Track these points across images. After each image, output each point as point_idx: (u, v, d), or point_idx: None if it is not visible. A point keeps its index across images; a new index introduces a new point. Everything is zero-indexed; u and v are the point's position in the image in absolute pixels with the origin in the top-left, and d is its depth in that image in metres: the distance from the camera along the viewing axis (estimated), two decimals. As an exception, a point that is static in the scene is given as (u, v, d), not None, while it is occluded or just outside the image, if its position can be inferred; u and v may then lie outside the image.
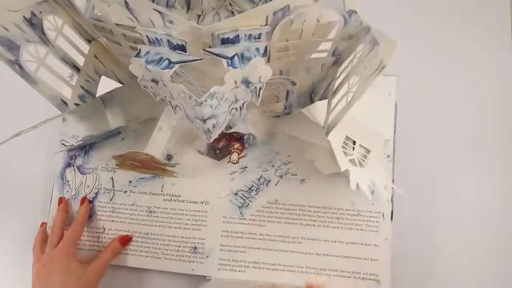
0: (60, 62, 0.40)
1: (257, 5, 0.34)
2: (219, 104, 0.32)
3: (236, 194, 0.52)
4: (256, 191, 0.52)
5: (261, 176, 0.52)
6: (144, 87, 0.33)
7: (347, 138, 0.47)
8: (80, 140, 0.50)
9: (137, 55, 0.31)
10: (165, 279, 0.52)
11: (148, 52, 0.31)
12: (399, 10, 0.59)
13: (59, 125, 0.54)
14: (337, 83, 0.42)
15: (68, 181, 0.54)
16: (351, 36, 0.36)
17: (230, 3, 0.34)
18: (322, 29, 0.37)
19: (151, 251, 0.51)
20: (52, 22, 0.37)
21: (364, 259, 0.49)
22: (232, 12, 0.35)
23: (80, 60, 0.43)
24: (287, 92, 0.46)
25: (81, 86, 0.42)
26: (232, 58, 0.30)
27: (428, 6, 0.59)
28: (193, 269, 0.50)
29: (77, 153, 0.55)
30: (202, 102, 0.30)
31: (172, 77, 0.33)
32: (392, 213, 0.50)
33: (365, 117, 0.49)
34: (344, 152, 0.45)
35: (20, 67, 0.35)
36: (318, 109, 0.48)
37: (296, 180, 0.52)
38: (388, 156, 0.51)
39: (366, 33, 0.35)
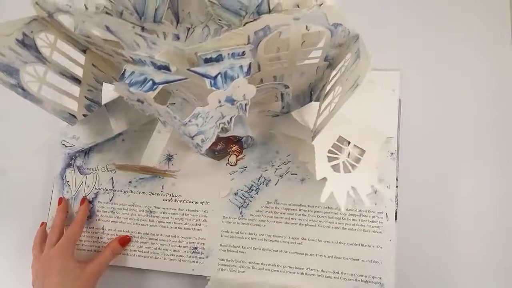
0: (60, 77, 0.42)
1: (243, 18, 0.35)
2: (205, 122, 0.34)
3: (236, 194, 0.54)
4: (256, 191, 0.54)
5: (261, 176, 0.54)
6: (132, 105, 0.36)
7: (340, 139, 0.49)
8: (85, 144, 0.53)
9: (121, 76, 0.33)
10: (165, 279, 0.55)
11: (132, 73, 0.33)
12: (400, 9, 0.59)
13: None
14: (328, 87, 0.44)
15: (68, 182, 0.57)
16: (340, 44, 0.38)
17: (215, 16, 0.36)
18: (313, 37, 0.39)
19: (150, 251, 0.54)
20: (44, 40, 0.39)
21: (367, 261, 0.51)
22: (221, 26, 0.37)
23: (79, 71, 0.45)
24: (282, 95, 0.48)
25: (85, 97, 0.45)
26: (215, 77, 0.32)
27: (431, 4, 0.59)
28: (193, 269, 0.53)
29: (77, 153, 0.58)
30: (186, 123, 0.32)
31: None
32: (396, 213, 0.51)
33: (368, 114, 0.50)
34: (330, 157, 0.46)
35: (23, 89, 0.38)
36: (312, 111, 0.49)
37: (296, 179, 0.53)
38: (392, 153, 0.52)
39: (355, 41, 0.37)
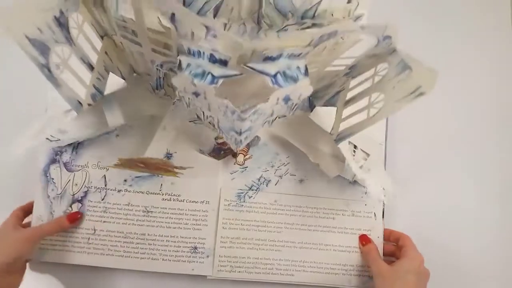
0: (79, 62, 0.37)
1: (287, 20, 0.34)
2: (257, 119, 0.32)
3: (236, 193, 0.52)
4: (256, 190, 0.52)
5: (261, 176, 0.53)
6: (180, 98, 0.32)
7: (349, 142, 0.49)
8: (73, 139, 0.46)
9: (179, 67, 0.30)
10: (165, 279, 0.51)
11: (189, 65, 0.30)
12: (397, 10, 0.61)
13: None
14: (349, 94, 0.44)
15: (53, 179, 0.50)
16: (375, 55, 0.38)
17: (262, 15, 0.34)
18: (342, 46, 0.38)
19: (147, 252, 0.50)
20: (75, 20, 0.34)
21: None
22: (258, 23, 0.35)
23: (94, 59, 0.41)
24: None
25: (93, 85, 0.40)
26: (275, 76, 0.31)
27: (428, 7, 0.61)
28: (193, 269, 0.50)
29: (63, 148, 0.51)
30: (245, 118, 0.30)
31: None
32: (383, 213, 0.53)
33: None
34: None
35: (49, 70, 0.33)
36: (321, 115, 0.49)
37: (295, 180, 0.53)
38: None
39: (391, 54, 0.37)
